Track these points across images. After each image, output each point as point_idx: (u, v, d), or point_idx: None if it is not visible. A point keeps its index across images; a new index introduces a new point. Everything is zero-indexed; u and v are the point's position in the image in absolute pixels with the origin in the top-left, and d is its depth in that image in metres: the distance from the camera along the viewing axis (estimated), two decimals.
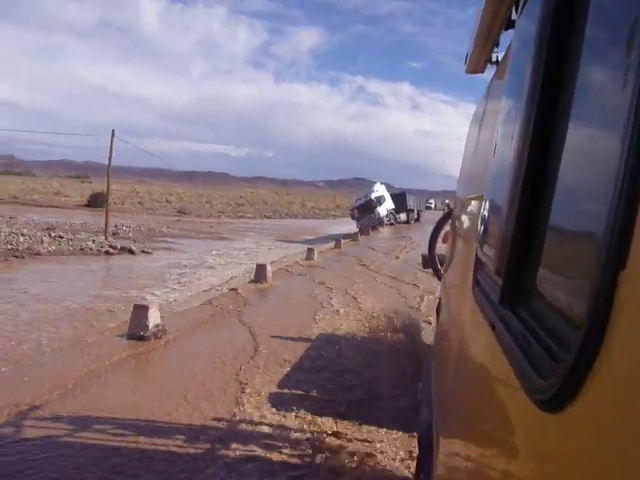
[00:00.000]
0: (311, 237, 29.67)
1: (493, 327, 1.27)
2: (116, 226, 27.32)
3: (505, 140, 1.49)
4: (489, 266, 1.53)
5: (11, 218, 27.24)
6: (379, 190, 29.95)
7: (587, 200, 0.78)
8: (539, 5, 1.05)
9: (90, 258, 17.73)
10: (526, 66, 1.10)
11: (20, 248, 17.76)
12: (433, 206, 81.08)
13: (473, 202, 2.50)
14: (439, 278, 4.50)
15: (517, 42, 1.63)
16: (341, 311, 10.15)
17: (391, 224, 33.26)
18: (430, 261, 5.04)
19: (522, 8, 1.58)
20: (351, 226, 32.69)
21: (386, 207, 29.87)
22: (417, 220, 43.29)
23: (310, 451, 4.50)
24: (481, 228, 1.86)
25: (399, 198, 35.97)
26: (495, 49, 2.55)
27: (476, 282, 1.77)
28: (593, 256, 0.64)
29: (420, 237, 24.86)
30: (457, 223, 3.31)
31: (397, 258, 20.55)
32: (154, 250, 20.91)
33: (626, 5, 0.66)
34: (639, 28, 0.56)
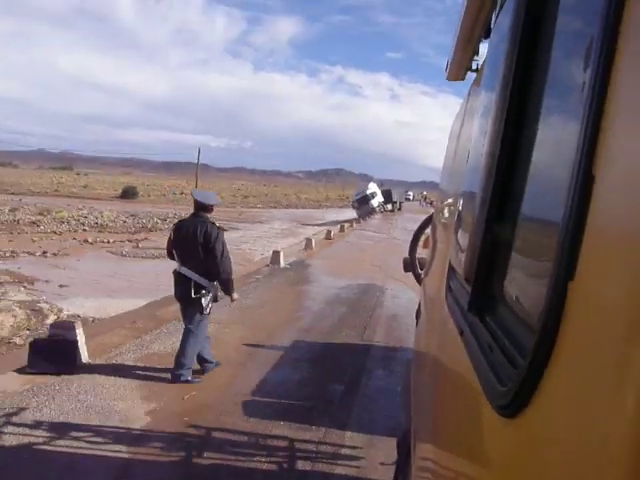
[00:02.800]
0: (321, 221, 39.13)
1: (462, 333, 1.30)
2: (174, 214, 36.69)
3: (476, 151, 1.57)
4: (459, 273, 1.57)
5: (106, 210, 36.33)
6: (372, 188, 40.08)
7: (546, 213, 0.82)
8: (509, 16, 1.08)
9: None
10: (496, 76, 1.14)
11: (148, 226, 27.47)
12: (411, 197, 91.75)
13: (449, 210, 2.53)
14: (419, 283, 4.35)
15: (491, 51, 1.67)
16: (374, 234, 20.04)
17: (381, 212, 44.13)
18: (410, 265, 4.82)
19: (496, 17, 1.64)
20: (346, 215, 42.35)
21: (377, 200, 39.98)
22: (399, 209, 54.70)
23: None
24: (453, 235, 1.93)
25: (386, 193, 47.20)
26: (475, 57, 2.53)
27: (449, 288, 1.79)
28: (548, 267, 0.66)
29: (398, 220, 35.40)
30: (436, 229, 3.32)
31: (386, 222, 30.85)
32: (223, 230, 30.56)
33: (585, 21, 0.71)
34: (594, 45, 0.60)
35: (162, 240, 25.03)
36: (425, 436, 1.91)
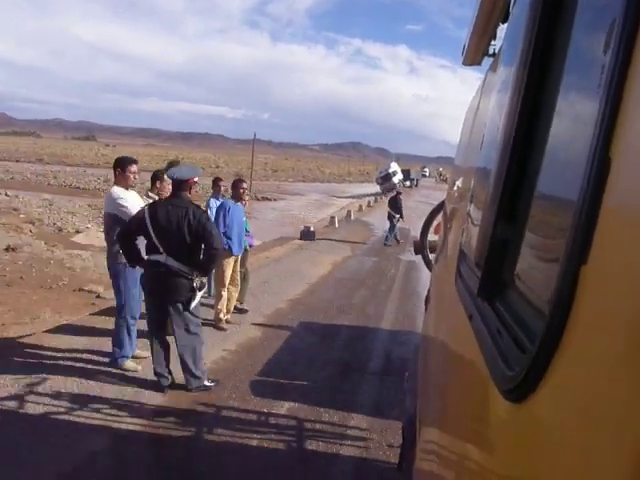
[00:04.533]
0: (349, 194, 45.54)
1: (471, 318, 1.30)
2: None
3: (489, 135, 1.57)
4: (470, 258, 1.58)
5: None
6: (394, 167, 46.45)
7: (559, 197, 0.82)
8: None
9: (256, 202, 33.45)
10: (514, 61, 1.12)
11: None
12: (427, 174, 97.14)
13: (461, 194, 2.51)
14: (429, 269, 4.34)
15: (509, 34, 1.64)
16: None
17: (401, 187, 50.97)
18: (422, 252, 4.67)
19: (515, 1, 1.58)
20: (367, 190, 48.75)
21: (398, 178, 46.46)
22: (416, 186, 61.25)
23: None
24: (465, 220, 1.93)
25: (406, 172, 53.83)
26: (492, 42, 2.47)
27: (459, 273, 1.79)
28: (560, 251, 0.66)
29: (415, 195, 42.25)
30: (447, 213, 3.31)
31: (407, 198, 37.72)
32: (275, 199, 37.15)
33: (606, 2, 0.68)
34: (615, 27, 0.59)
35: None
36: (431, 420, 1.89)
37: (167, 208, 4.66)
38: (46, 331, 6.23)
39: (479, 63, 2.88)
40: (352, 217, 24.50)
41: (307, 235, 16.46)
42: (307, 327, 7.28)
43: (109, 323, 5.91)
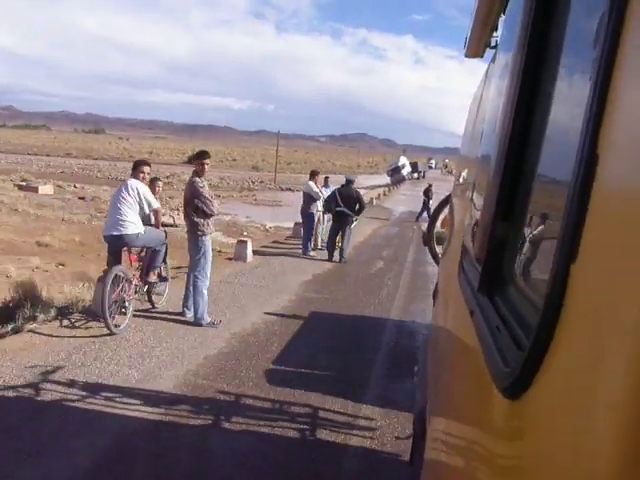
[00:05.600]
0: (361, 186, 50.19)
1: (472, 313, 1.29)
2: (249, 178, 48.02)
3: (488, 131, 1.59)
4: (471, 254, 1.58)
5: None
6: (402, 160, 51.13)
7: (553, 195, 0.84)
8: None
9: (280, 192, 38.14)
10: (511, 52, 1.12)
11: (245, 186, 39.05)
12: (434, 166, 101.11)
13: (464, 190, 2.53)
14: (437, 262, 4.35)
15: (507, 25, 1.66)
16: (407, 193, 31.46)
17: (409, 179, 55.24)
18: (428, 247, 4.81)
19: None
20: (378, 181, 53.37)
21: (407, 170, 50.96)
22: (423, 177, 65.80)
23: None
24: (467, 215, 1.94)
25: (413, 165, 58.55)
26: (494, 33, 2.46)
27: (462, 269, 1.78)
28: (553, 249, 0.67)
29: (421, 184, 47.36)
30: (453, 207, 3.30)
31: (415, 188, 42.35)
32: (297, 190, 41.59)
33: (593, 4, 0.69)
34: (604, 21, 0.60)
35: (266, 194, 35.91)
36: (437, 414, 1.91)
37: (344, 190, 11.91)
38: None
39: (481, 55, 2.82)
40: (374, 203, 28.73)
41: None
42: (372, 250, 13.98)
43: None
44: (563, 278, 0.64)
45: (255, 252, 11.56)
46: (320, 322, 7.26)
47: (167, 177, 42.89)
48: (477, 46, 2.70)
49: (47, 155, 67.51)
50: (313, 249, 12.56)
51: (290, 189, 41.07)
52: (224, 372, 5.27)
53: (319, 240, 13.09)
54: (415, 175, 60.92)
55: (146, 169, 6.55)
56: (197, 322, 6.60)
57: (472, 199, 1.91)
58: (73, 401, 4.43)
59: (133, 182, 6.34)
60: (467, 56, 2.89)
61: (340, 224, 11.72)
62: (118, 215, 6.16)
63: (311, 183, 12.49)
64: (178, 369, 5.25)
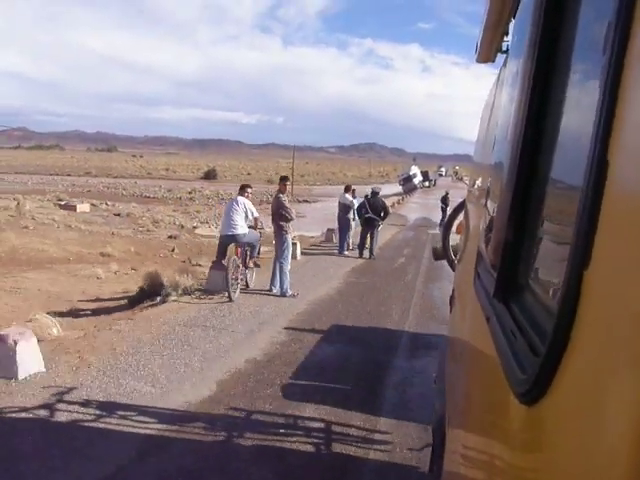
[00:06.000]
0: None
1: (488, 320, 1.29)
2: (266, 190, 49.88)
3: (501, 138, 1.57)
4: (486, 260, 1.58)
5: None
6: (414, 170, 52.72)
7: (566, 203, 0.82)
8: None
9: (297, 204, 39.81)
10: (521, 57, 1.12)
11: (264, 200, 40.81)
12: (444, 173, 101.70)
13: (478, 195, 2.54)
14: (453, 269, 4.38)
15: (517, 29, 1.66)
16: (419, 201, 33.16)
17: (420, 188, 56.88)
18: (444, 252, 4.73)
19: None
20: (390, 190, 55.23)
21: (418, 179, 52.65)
22: (434, 185, 67.43)
23: None
24: (482, 222, 1.92)
25: (424, 174, 60.24)
26: (505, 38, 2.42)
27: (477, 275, 1.77)
28: (566, 256, 0.67)
29: (432, 192, 48.75)
30: (468, 213, 3.33)
31: (427, 196, 44.00)
32: (312, 202, 43.46)
33: (605, 5, 0.66)
34: (612, 26, 0.60)
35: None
36: (455, 422, 1.92)
37: (372, 200, 14.21)
38: None
39: (493, 60, 2.80)
40: (389, 211, 30.82)
41: None
42: (394, 250, 16.11)
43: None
44: (576, 284, 0.64)
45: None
46: (364, 296, 9.82)
47: (189, 193, 45.06)
48: (488, 51, 2.70)
49: (68, 175, 69.74)
50: (348, 249, 14.75)
51: (307, 201, 42.70)
52: (311, 319, 8.07)
53: (350, 242, 15.15)
54: (426, 184, 62.44)
55: (249, 190, 9.29)
56: (283, 294, 9.12)
57: (486, 205, 1.92)
58: (220, 332, 7.12)
59: (240, 199, 8.91)
60: (478, 61, 2.88)
61: (369, 228, 14.13)
62: (231, 221, 8.64)
63: (347, 195, 14.86)
64: (283, 318, 7.99)
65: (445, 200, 24.32)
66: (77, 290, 10.04)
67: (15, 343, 5.10)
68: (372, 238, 14.20)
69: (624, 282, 0.53)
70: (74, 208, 27.69)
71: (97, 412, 4.60)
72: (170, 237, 18.91)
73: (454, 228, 5.17)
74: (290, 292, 9.18)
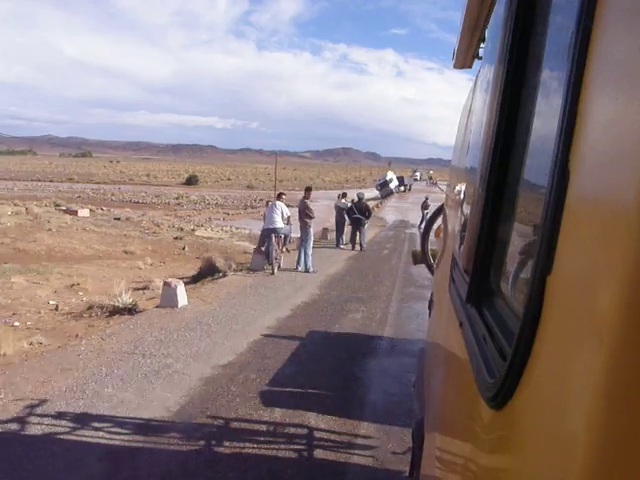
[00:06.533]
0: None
1: (461, 324, 1.30)
2: (249, 196, 51.93)
3: (475, 144, 1.60)
4: (460, 265, 1.60)
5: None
6: (390, 175, 55.40)
7: (536, 211, 0.81)
8: (503, 4, 1.10)
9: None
10: (491, 65, 1.14)
11: (247, 204, 42.98)
12: (419, 177, 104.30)
13: (455, 202, 2.58)
14: (432, 273, 4.46)
15: (490, 36, 1.69)
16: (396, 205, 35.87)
17: (397, 192, 59.79)
18: (423, 256, 4.81)
19: (492, 5, 1.66)
20: (367, 194, 58.04)
21: (394, 184, 55.41)
22: (409, 190, 70.19)
23: None
24: (457, 228, 1.95)
25: (400, 179, 63.01)
26: (482, 44, 2.43)
27: (452, 280, 1.79)
28: (530, 262, 0.70)
29: (409, 196, 51.78)
30: (446, 219, 3.34)
31: (403, 200, 46.88)
32: (295, 206, 45.65)
33: (571, 13, 0.67)
34: (574, 39, 0.61)
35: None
36: (432, 426, 1.93)
37: (358, 204, 17.66)
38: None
39: (469, 66, 2.82)
40: (373, 212, 33.46)
41: None
42: (379, 244, 18.66)
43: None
44: (540, 289, 0.65)
45: None
46: (364, 271, 13.73)
47: (177, 198, 46.84)
48: (465, 57, 2.69)
49: (50, 181, 70.34)
50: (343, 244, 18.05)
51: (290, 205, 44.88)
52: (331, 285, 11.76)
53: (344, 238, 18.29)
54: (402, 188, 65.32)
55: (284, 196, 13.26)
56: (307, 270, 12.87)
57: (461, 211, 1.92)
58: (276, 290, 10.81)
59: (278, 202, 12.82)
60: (456, 67, 2.89)
61: (357, 226, 17.55)
62: (272, 218, 12.48)
63: (343, 200, 18.42)
64: (312, 284, 11.64)
65: (425, 205, 26.61)
66: (133, 276, 12.28)
67: (176, 286, 8.76)
68: (361, 234, 17.53)
69: (585, 287, 0.55)
70: (75, 213, 29.45)
71: (224, 320, 8.27)
72: (176, 238, 21.04)
73: (432, 233, 5.23)
74: (312, 269, 12.88)
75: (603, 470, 0.48)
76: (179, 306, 8.65)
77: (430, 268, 4.66)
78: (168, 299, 8.66)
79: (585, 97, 0.59)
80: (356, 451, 4.53)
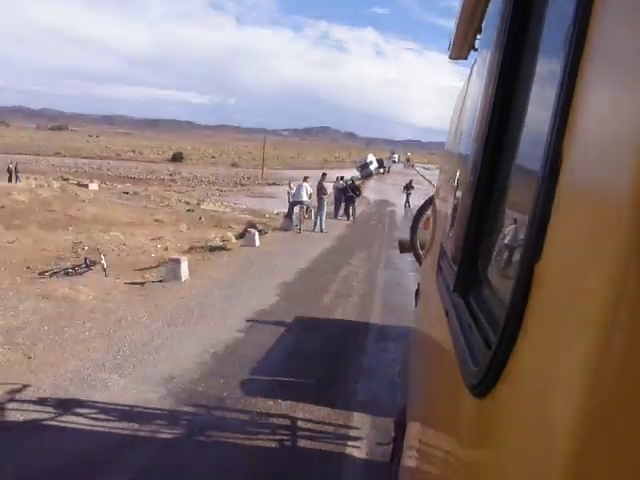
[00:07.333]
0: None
1: (447, 313, 1.31)
2: (236, 173, 54.55)
3: (466, 133, 1.63)
4: (448, 254, 1.60)
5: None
6: (370, 157, 58.71)
7: (526, 199, 0.80)
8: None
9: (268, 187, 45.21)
10: (485, 55, 1.14)
11: (237, 181, 45.94)
12: (397, 159, 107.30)
13: (445, 191, 2.59)
14: (420, 263, 4.49)
15: (486, 26, 1.69)
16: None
17: (376, 174, 63.22)
18: (411, 246, 4.87)
19: None
20: (348, 174, 61.43)
21: (374, 166, 58.68)
22: (388, 172, 73.73)
23: None
24: (446, 217, 1.96)
25: (379, 161, 66.34)
26: (478, 36, 2.43)
27: (440, 269, 1.79)
28: (519, 250, 0.69)
29: (388, 178, 56.18)
30: (435, 209, 3.39)
31: (382, 182, 50.69)
32: (280, 184, 48.82)
33: (568, 3, 0.67)
34: (570, 30, 0.61)
35: (258, 188, 42.88)
36: (415, 414, 1.94)
37: (350, 185, 22.59)
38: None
39: (465, 57, 2.81)
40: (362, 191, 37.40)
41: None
42: (366, 218, 23.02)
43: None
44: (528, 277, 0.65)
45: None
46: (359, 233, 18.41)
47: (170, 175, 49.53)
48: (461, 48, 2.71)
49: (37, 155, 70.81)
50: (340, 215, 22.42)
51: (275, 184, 47.52)
52: (341, 240, 16.79)
53: (341, 211, 22.58)
54: (381, 170, 68.86)
55: (309, 179, 18.71)
56: (321, 231, 17.79)
57: (450, 201, 1.92)
58: (306, 240, 16.12)
59: (304, 183, 18.36)
60: (451, 58, 2.91)
61: (350, 202, 22.18)
62: (299, 194, 17.85)
63: (341, 182, 22.89)
64: (328, 240, 16.46)
65: (409, 187, 29.98)
66: (183, 237, 15.68)
67: (254, 233, 13.86)
68: (353, 208, 22.20)
69: (573, 275, 0.55)
70: (86, 186, 32.22)
71: (287, 253, 13.38)
72: (188, 210, 24.25)
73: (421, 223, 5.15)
74: (325, 230, 17.94)
75: (585, 459, 0.47)
76: (255, 245, 13.83)
77: (419, 258, 4.73)
78: (250, 240, 13.87)
79: (580, 88, 0.60)
80: None
